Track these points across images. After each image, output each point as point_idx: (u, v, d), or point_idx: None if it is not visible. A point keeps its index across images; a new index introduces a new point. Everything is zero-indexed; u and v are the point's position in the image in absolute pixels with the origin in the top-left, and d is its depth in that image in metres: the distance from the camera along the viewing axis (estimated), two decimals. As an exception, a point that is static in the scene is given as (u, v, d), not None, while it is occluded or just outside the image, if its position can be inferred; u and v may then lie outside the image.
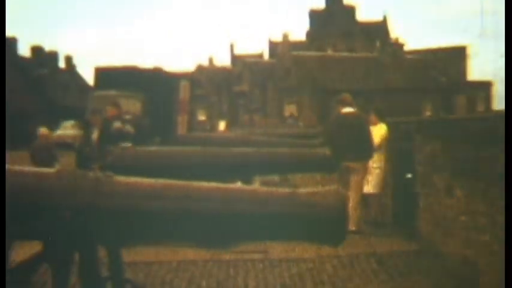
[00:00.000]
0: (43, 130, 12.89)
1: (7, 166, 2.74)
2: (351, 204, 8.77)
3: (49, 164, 10.56)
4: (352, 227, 8.71)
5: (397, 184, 9.94)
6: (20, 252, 3.28)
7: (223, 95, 64.06)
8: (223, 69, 67.98)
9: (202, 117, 58.83)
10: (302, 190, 2.72)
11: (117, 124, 9.91)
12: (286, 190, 2.75)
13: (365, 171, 9.30)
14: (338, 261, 7.44)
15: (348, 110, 9.37)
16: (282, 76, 54.88)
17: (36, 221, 2.65)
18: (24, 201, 2.62)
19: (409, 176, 9.21)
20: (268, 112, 55.55)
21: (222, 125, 45.63)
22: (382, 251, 8.03)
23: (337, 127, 9.31)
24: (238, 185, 4.38)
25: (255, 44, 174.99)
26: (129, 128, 10.11)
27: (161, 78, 17.36)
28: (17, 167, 2.76)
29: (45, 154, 12.03)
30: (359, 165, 9.08)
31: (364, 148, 9.10)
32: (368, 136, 9.26)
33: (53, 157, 11.88)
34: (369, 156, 9.25)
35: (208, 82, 63.14)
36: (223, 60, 76.81)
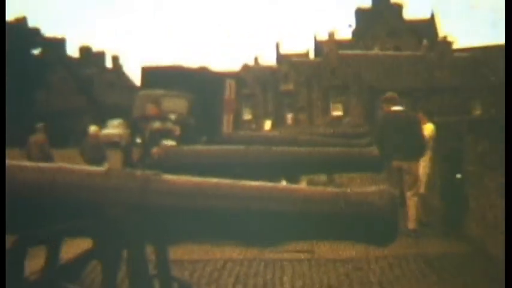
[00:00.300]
0: (93, 128, 13.02)
1: (59, 164, 2.77)
2: (409, 204, 8.70)
3: (99, 162, 10.72)
4: (410, 226, 8.65)
5: (446, 185, 9.76)
6: (69, 250, 3.33)
7: (269, 94, 64.00)
8: (269, 69, 67.86)
9: (248, 116, 58.90)
10: (351, 190, 2.68)
11: (156, 124, 10.03)
12: (335, 190, 2.71)
13: (417, 170, 9.11)
14: (386, 262, 7.35)
15: (396, 108, 9.23)
16: (328, 75, 54.65)
17: (87, 219, 2.68)
18: (74, 199, 2.65)
19: (459, 176, 9.04)
20: (314, 111, 55.37)
21: (267, 124, 45.67)
22: (430, 252, 7.91)
23: (385, 126, 9.16)
24: (284, 184, 4.36)
25: (301, 43, 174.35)
26: (170, 125, 10.18)
27: (207, 78, 17.44)
28: (67, 165, 2.80)
29: (95, 152, 12.18)
30: (409, 165, 8.91)
31: (414, 146, 8.89)
32: (419, 134, 9.03)
33: (103, 156, 12.00)
34: (419, 154, 9.06)
35: (254, 81, 63.18)
36: (269, 59, 76.63)
